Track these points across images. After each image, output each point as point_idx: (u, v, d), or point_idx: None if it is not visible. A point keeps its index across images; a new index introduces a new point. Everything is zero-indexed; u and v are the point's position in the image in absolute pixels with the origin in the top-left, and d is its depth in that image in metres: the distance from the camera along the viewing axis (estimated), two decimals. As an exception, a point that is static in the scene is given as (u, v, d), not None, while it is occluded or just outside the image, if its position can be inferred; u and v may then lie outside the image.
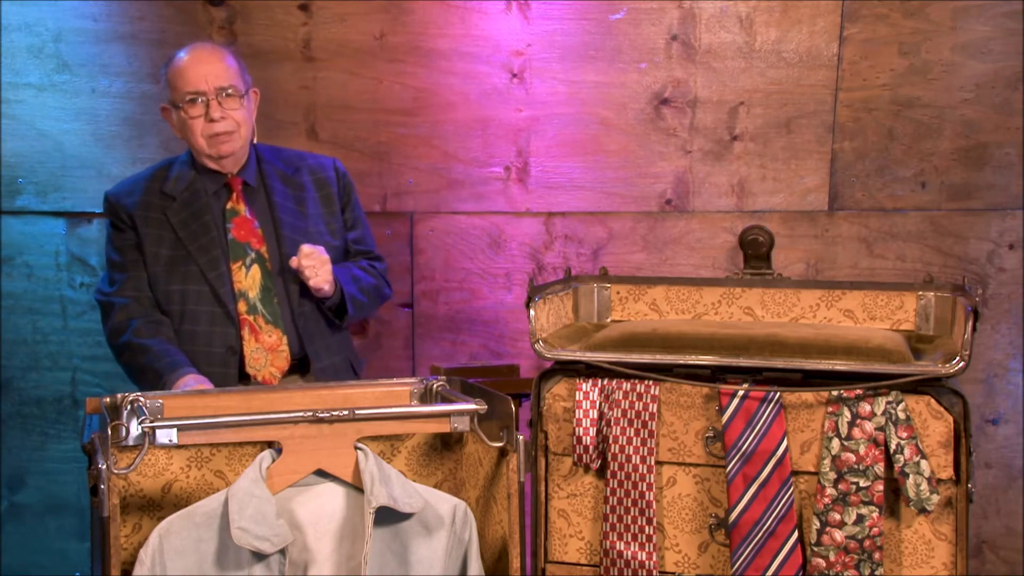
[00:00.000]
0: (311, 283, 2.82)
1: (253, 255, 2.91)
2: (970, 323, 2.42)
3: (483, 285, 3.68)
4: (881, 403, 2.41)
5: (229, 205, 2.93)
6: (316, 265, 2.81)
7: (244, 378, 2.86)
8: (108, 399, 2.12)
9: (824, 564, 2.44)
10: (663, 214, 3.62)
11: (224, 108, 2.84)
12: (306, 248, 2.82)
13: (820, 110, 3.54)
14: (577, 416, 2.60)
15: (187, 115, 2.84)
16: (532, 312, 2.65)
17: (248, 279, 2.89)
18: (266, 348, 2.87)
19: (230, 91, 2.85)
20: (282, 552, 2.03)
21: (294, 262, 2.81)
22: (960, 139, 3.52)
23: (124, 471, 1.99)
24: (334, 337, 2.96)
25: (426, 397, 2.31)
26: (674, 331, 2.65)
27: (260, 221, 2.93)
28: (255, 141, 2.99)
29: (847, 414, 2.43)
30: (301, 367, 2.92)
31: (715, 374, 2.55)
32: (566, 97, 3.61)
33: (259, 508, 2.01)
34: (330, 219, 3.00)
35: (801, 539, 2.49)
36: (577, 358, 2.62)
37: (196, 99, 2.83)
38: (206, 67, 2.85)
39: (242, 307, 2.87)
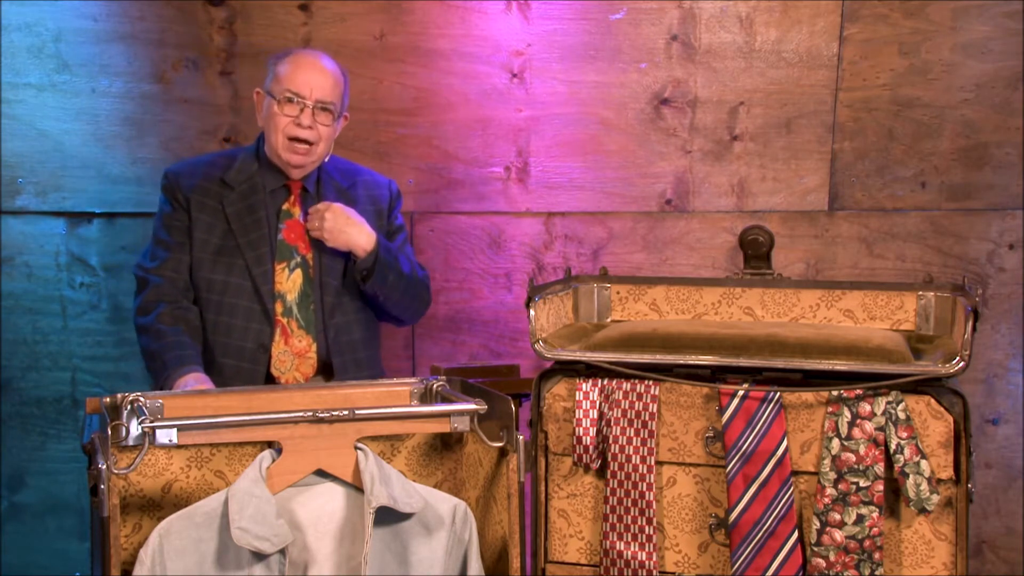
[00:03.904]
0: (314, 233, 2.88)
1: (299, 259, 2.92)
2: (970, 323, 2.42)
3: (483, 285, 3.68)
4: (881, 403, 2.41)
5: (285, 206, 2.95)
6: (324, 213, 2.87)
7: (269, 378, 2.87)
8: (108, 399, 2.12)
9: (824, 564, 2.44)
10: (663, 214, 3.62)
11: (316, 120, 2.87)
12: (322, 204, 2.89)
13: (820, 110, 3.54)
14: (577, 416, 2.60)
15: (279, 111, 2.87)
16: (532, 312, 2.65)
17: (289, 282, 2.90)
18: (294, 352, 2.87)
19: (328, 107, 2.88)
20: (282, 552, 2.03)
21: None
22: (960, 139, 3.51)
23: (124, 471, 1.99)
24: (365, 352, 2.97)
25: (426, 397, 2.31)
26: (674, 331, 2.65)
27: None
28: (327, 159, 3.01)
29: (847, 414, 2.43)
30: (327, 375, 2.93)
31: (715, 374, 2.55)
32: (566, 97, 3.61)
33: (259, 508, 2.01)
34: (378, 233, 3.00)
35: (801, 539, 2.49)
36: (577, 358, 2.62)
37: (294, 100, 2.86)
38: (318, 76, 2.88)
39: (278, 308, 2.88)
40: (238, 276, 2.88)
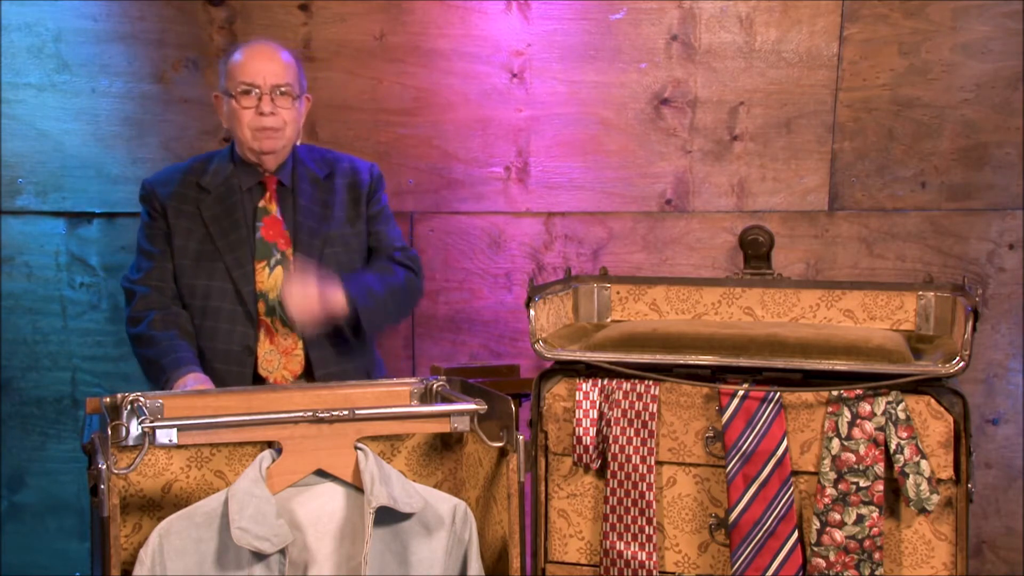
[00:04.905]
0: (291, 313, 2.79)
1: (278, 256, 2.90)
2: (970, 323, 2.42)
3: (483, 285, 3.68)
4: (881, 403, 2.41)
5: (261, 203, 2.93)
6: (299, 296, 2.77)
7: (258, 379, 2.85)
8: (108, 399, 2.12)
9: (824, 564, 2.44)
10: (663, 214, 3.62)
11: (276, 105, 2.86)
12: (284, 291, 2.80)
13: (820, 110, 3.54)
14: (577, 416, 2.60)
15: (238, 105, 2.86)
16: (532, 312, 2.65)
17: (270, 280, 2.89)
18: (280, 351, 2.86)
19: (284, 89, 2.87)
20: (282, 552, 2.03)
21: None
22: (960, 139, 3.52)
23: (124, 471, 1.99)
24: (347, 343, 2.94)
25: (426, 397, 2.31)
26: (674, 331, 2.65)
27: (288, 223, 2.93)
28: (298, 143, 2.99)
29: (847, 414, 2.43)
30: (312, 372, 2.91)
31: (715, 374, 2.55)
32: (566, 97, 3.61)
33: (259, 508, 2.01)
34: (356, 221, 2.99)
35: (801, 539, 2.49)
36: (577, 358, 2.62)
37: (250, 91, 2.85)
38: (266, 63, 2.87)
39: (261, 308, 2.87)
40: (219, 279, 2.87)
